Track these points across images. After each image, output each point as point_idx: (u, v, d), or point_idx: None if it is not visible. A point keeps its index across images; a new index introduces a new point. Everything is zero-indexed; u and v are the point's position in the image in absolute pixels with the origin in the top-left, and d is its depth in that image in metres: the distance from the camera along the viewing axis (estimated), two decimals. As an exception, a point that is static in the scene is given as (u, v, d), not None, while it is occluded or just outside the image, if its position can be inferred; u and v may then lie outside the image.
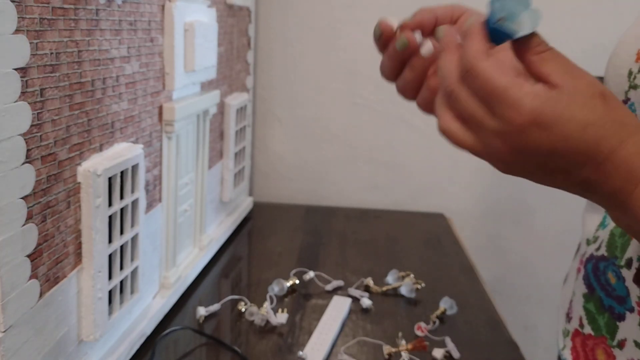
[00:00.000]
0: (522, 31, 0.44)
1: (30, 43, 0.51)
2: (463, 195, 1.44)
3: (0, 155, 0.48)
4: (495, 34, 0.45)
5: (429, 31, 0.53)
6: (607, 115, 0.42)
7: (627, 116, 0.43)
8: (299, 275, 1.01)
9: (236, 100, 1.15)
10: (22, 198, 0.52)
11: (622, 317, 0.60)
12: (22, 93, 0.50)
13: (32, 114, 0.52)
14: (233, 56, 1.16)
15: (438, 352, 0.81)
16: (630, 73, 0.59)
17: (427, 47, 0.52)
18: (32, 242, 0.54)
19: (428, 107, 0.53)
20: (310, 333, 0.84)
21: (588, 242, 0.68)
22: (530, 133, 0.42)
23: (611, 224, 0.64)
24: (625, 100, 0.59)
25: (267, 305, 0.89)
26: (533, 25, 0.45)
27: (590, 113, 0.42)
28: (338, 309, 0.90)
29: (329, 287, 0.98)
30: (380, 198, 1.46)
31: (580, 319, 0.67)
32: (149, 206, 0.80)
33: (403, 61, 0.54)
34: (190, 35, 0.84)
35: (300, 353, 0.78)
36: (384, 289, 0.99)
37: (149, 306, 0.82)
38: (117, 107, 0.69)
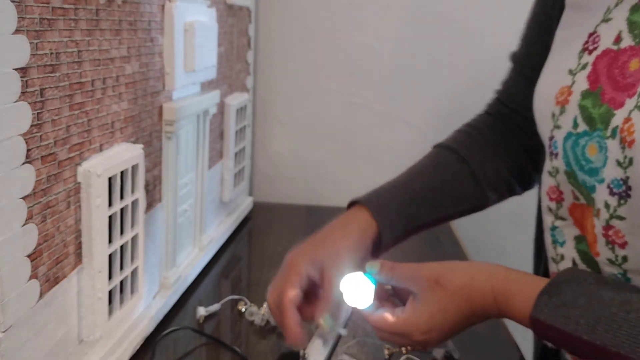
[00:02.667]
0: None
1: (30, 43, 0.51)
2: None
3: (0, 155, 0.48)
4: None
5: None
6: (444, 289, 0.62)
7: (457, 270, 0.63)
8: (299, 275, 1.01)
9: (236, 100, 1.15)
10: (22, 198, 0.52)
11: None
12: (22, 93, 0.50)
13: (32, 114, 0.52)
14: (233, 56, 1.16)
15: (438, 352, 0.81)
16: (553, 115, 0.66)
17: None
18: (32, 242, 0.54)
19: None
20: (310, 333, 0.84)
21: (555, 260, 0.70)
22: (431, 337, 0.62)
23: (570, 243, 0.67)
24: (550, 138, 0.67)
25: (267, 305, 0.89)
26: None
27: (435, 295, 0.62)
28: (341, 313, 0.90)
29: (329, 287, 0.98)
30: (380, 198, 1.46)
31: None
32: (149, 206, 0.80)
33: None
34: (190, 35, 0.84)
35: (302, 352, 0.78)
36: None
37: (149, 306, 0.82)
38: (117, 107, 0.69)
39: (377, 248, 0.79)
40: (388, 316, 0.65)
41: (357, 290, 0.68)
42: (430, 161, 0.85)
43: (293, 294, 0.69)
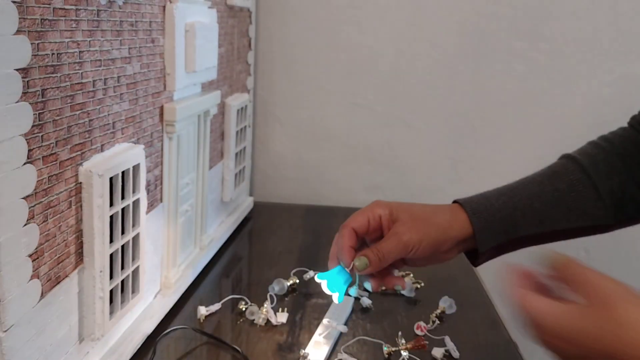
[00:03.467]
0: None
1: (32, 44, 0.51)
2: (462, 196, 1.44)
3: (2, 155, 0.48)
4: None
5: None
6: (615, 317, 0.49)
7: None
8: (299, 274, 1.01)
9: (237, 100, 1.15)
10: (23, 198, 0.52)
11: None
12: (24, 93, 0.51)
13: (34, 114, 0.52)
14: (233, 57, 1.16)
15: (437, 352, 0.81)
16: None
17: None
18: (34, 242, 0.54)
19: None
20: (310, 332, 0.85)
21: None
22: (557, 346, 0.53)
23: None
24: None
25: (267, 304, 0.89)
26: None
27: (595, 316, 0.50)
28: (341, 307, 0.90)
29: (329, 286, 0.98)
30: (380, 198, 1.46)
31: None
32: (150, 206, 0.80)
33: None
34: (191, 36, 0.84)
35: (303, 352, 0.78)
36: (384, 288, 0.99)
37: (150, 305, 0.83)
38: (118, 108, 0.69)
39: (475, 255, 0.74)
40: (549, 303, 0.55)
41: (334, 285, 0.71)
42: (546, 170, 0.77)
43: (356, 223, 0.71)
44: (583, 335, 0.51)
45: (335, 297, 0.71)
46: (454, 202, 0.77)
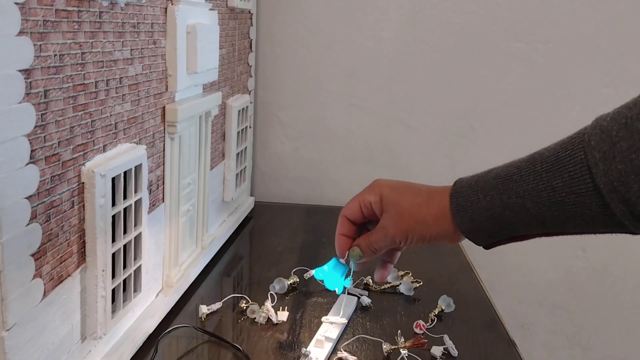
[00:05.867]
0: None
1: (34, 45, 0.51)
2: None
3: (5, 155, 0.49)
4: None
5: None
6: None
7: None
8: (300, 273, 1.02)
9: (238, 101, 1.16)
10: (26, 198, 0.53)
11: None
12: (26, 94, 0.51)
13: (36, 115, 0.53)
14: (234, 58, 1.17)
15: (436, 350, 0.81)
16: None
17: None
18: (36, 242, 0.55)
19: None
20: (310, 331, 0.85)
21: None
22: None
23: None
24: None
25: (268, 303, 0.90)
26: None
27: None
28: (344, 307, 0.90)
29: (329, 286, 0.99)
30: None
31: None
32: (152, 206, 0.81)
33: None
34: (193, 38, 0.85)
35: (304, 350, 0.79)
36: (383, 287, 1.00)
37: (151, 304, 0.83)
38: (120, 109, 0.69)
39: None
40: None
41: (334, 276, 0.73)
42: (557, 149, 0.58)
43: (349, 211, 0.75)
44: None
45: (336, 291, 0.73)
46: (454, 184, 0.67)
